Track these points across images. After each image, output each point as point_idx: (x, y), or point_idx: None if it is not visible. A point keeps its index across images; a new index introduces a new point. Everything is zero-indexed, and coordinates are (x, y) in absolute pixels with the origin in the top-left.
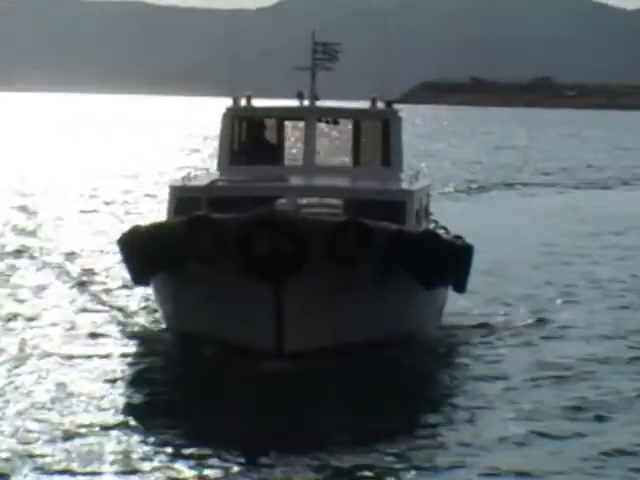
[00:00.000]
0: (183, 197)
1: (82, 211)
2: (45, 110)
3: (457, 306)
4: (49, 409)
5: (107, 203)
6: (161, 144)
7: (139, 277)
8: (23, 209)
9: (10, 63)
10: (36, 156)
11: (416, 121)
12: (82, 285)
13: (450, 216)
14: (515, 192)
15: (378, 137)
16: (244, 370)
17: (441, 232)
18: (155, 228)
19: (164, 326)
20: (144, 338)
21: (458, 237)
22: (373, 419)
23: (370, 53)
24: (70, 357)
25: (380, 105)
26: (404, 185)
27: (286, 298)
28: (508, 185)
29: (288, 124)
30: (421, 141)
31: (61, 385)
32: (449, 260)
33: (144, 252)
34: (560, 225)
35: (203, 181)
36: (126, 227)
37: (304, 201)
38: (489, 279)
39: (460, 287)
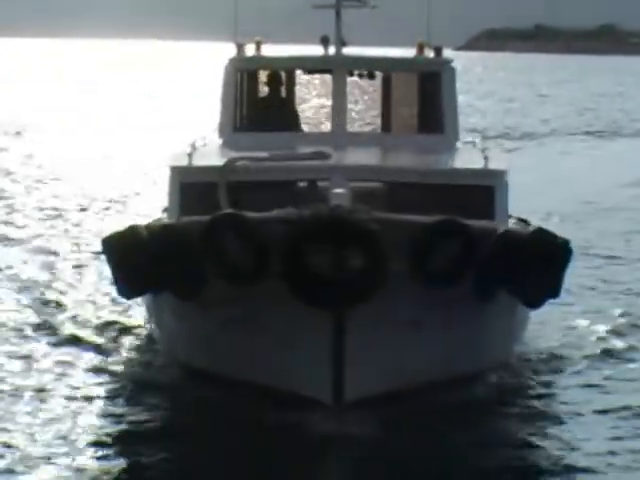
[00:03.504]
0: (191, 183)
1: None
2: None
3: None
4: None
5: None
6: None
7: (131, 292)
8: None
9: (76, 9)
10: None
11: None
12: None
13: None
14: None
15: (428, 95)
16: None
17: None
18: (159, 231)
19: (161, 355)
20: (133, 370)
21: (522, 220)
22: None
23: None
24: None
25: (428, 53)
26: (492, 164)
27: (350, 332)
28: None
29: (306, 77)
30: None
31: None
32: (558, 267)
33: (142, 263)
34: None
35: (213, 158)
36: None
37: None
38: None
39: (556, 294)
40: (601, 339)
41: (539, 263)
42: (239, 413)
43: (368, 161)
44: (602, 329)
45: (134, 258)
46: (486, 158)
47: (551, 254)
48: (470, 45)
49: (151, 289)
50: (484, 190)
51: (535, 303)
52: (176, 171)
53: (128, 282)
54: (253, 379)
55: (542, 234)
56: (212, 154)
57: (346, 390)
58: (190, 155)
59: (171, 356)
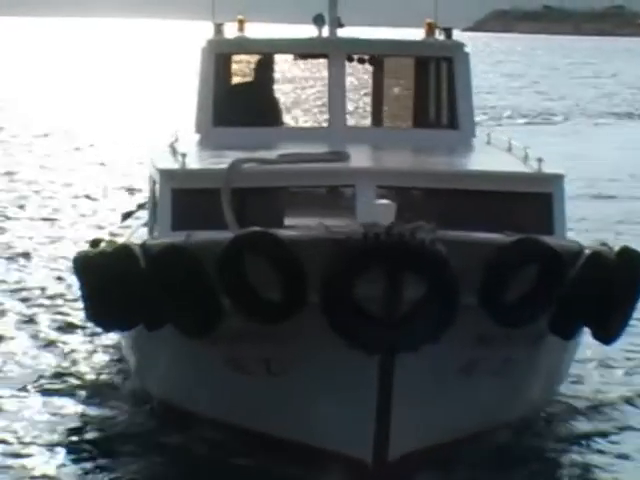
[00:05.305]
0: (187, 190)
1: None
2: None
3: None
4: None
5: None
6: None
7: (117, 325)
8: None
9: None
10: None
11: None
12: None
13: None
14: None
15: (438, 83)
16: None
17: None
18: (162, 252)
19: (147, 396)
20: (113, 414)
21: None
22: None
23: None
24: None
25: (438, 36)
26: (546, 167)
27: (399, 378)
28: None
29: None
30: None
31: None
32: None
33: (136, 291)
34: None
35: (209, 160)
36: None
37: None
38: None
39: None
40: None
41: (626, 291)
42: (249, 468)
43: (397, 164)
44: None
45: (125, 284)
46: (539, 160)
47: (638, 280)
48: (479, 26)
49: (145, 323)
50: (541, 197)
51: (614, 338)
52: (167, 175)
53: (114, 313)
54: (271, 430)
55: (632, 255)
56: (202, 154)
57: (390, 447)
58: (183, 156)
59: (162, 399)
